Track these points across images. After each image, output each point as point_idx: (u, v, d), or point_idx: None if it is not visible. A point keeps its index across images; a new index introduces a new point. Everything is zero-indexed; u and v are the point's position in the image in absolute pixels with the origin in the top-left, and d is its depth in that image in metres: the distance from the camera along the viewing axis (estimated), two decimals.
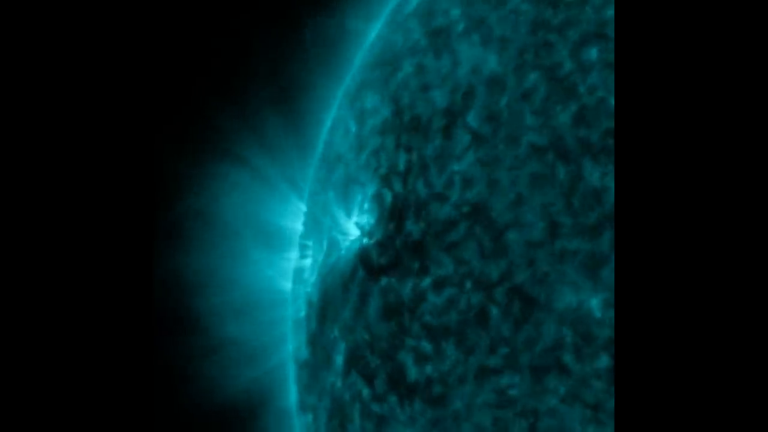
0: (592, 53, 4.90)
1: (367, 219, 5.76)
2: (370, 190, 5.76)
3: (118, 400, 7.66)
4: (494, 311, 4.85)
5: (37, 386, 6.85)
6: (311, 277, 6.56)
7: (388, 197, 5.53)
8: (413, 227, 5.28)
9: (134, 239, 7.82)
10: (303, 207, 7.57)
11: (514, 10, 5.32)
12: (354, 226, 5.97)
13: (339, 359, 5.85)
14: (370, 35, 7.51)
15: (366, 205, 5.77)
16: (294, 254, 7.52)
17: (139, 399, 7.88)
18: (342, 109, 6.90)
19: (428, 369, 5.13)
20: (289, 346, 7.58)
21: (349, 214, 6.03)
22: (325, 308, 6.09)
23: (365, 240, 5.71)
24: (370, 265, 5.53)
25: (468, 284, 4.94)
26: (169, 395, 8.20)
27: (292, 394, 7.64)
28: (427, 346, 5.12)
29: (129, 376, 7.83)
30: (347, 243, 6.00)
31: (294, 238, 7.56)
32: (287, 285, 7.71)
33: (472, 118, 5.18)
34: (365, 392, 5.55)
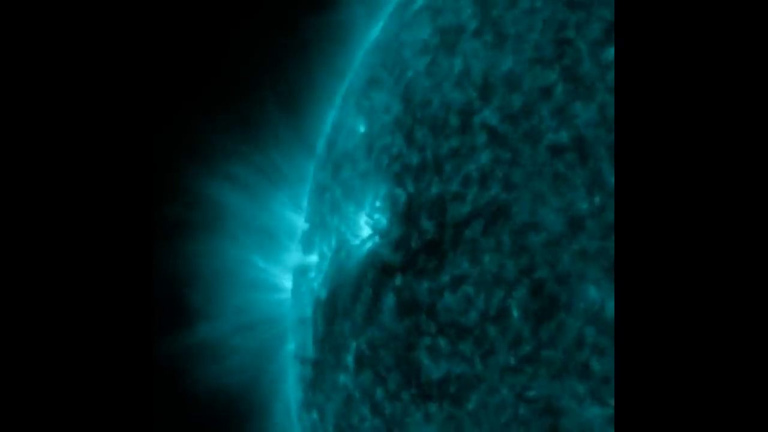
0: (611, 53, 4.91)
1: (379, 218, 5.74)
2: (382, 188, 5.74)
3: (117, 397, 7.63)
4: (514, 310, 4.85)
5: (36, 381, 6.81)
6: (319, 276, 6.53)
7: (402, 196, 5.51)
8: (428, 226, 5.27)
9: (134, 237, 7.78)
10: (304, 205, 7.54)
11: (529, 8, 5.32)
12: (364, 225, 5.95)
13: (350, 358, 5.83)
14: (372, 32, 7.49)
15: (378, 204, 5.75)
16: (293, 252, 7.49)
17: (138, 396, 7.85)
18: (347, 107, 6.87)
19: (445, 368, 5.12)
20: (289, 344, 7.55)
21: (359, 213, 6.01)
22: (334, 307, 6.07)
23: (378, 239, 5.70)
24: (384, 264, 5.51)
25: (486, 283, 4.93)
26: (168, 392, 8.16)
27: (291, 391, 7.62)
28: (443, 344, 5.11)
29: (128, 374, 7.79)
30: (357, 242, 5.97)
31: (293, 236, 7.53)
32: (287, 283, 7.68)
33: (489, 117, 5.18)
34: (378, 391, 5.54)
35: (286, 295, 7.65)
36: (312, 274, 6.76)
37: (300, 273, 7.19)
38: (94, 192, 7.42)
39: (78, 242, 7.34)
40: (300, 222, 7.53)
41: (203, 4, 8.16)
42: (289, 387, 7.70)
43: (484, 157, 5.10)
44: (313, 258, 6.86)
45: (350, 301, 5.82)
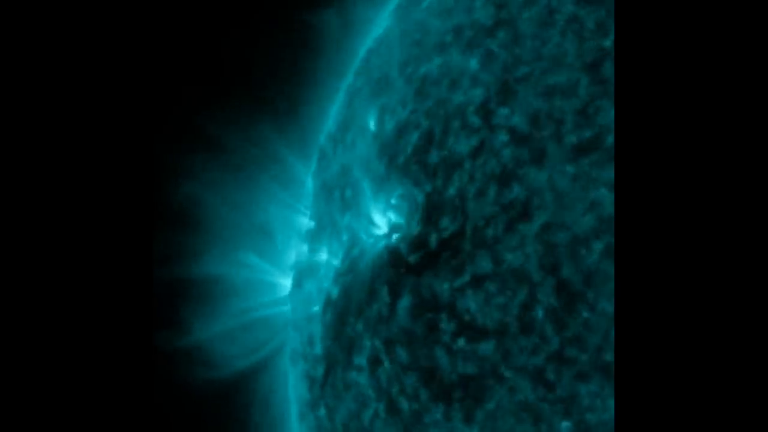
0: None
1: (394, 216, 5.75)
2: (398, 187, 5.74)
3: (116, 394, 7.60)
4: (538, 309, 4.87)
5: (36, 376, 6.79)
6: (329, 274, 6.52)
7: (419, 195, 5.52)
8: (448, 225, 5.29)
9: (134, 236, 7.74)
10: (305, 205, 7.53)
11: (546, 6, 5.35)
12: (378, 224, 5.95)
13: (364, 356, 5.83)
14: (374, 31, 7.48)
15: (393, 202, 5.75)
16: (293, 251, 7.47)
17: (137, 392, 7.82)
18: (354, 106, 6.86)
19: (463, 367, 5.14)
20: (289, 342, 7.53)
21: (372, 212, 6.01)
22: (347, 304, 6.06)
23: (394, 237, 5.70)
24: (402, 263, 5.52)
25: (509, 282, 4.96)
26: (166, 389, 8.12)
27: (291, 389, 7.60)
28: (463, 343, 5.12)
29: (127, 371, 7.76)
30: (371, 240, 5.97)
31: (293, 235, 7.51)
32: (285, 281, 7.66)
33: (509, 116, 5.19)
34: (395, 389, 5.54)
35: (285, 294, 7.64)
36: (320, 272, 6.74)
37: (304, 271, 7.18)
38: (94, 190, 7.37)
39: (79, 241, 7.30)
40: (300, 221, 7.52)
41: (205, 3, 8.13)
42: (289, 384, 7.69)
43: (506, 156, 5.12)
44: (321, 256, 6.85)
45: (365, 299, 5.82)
